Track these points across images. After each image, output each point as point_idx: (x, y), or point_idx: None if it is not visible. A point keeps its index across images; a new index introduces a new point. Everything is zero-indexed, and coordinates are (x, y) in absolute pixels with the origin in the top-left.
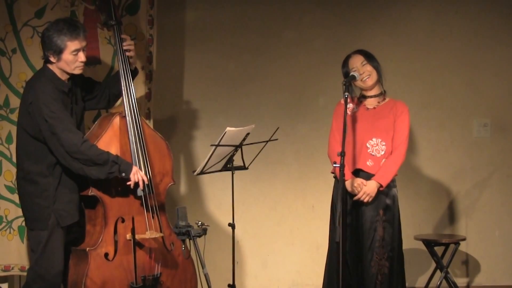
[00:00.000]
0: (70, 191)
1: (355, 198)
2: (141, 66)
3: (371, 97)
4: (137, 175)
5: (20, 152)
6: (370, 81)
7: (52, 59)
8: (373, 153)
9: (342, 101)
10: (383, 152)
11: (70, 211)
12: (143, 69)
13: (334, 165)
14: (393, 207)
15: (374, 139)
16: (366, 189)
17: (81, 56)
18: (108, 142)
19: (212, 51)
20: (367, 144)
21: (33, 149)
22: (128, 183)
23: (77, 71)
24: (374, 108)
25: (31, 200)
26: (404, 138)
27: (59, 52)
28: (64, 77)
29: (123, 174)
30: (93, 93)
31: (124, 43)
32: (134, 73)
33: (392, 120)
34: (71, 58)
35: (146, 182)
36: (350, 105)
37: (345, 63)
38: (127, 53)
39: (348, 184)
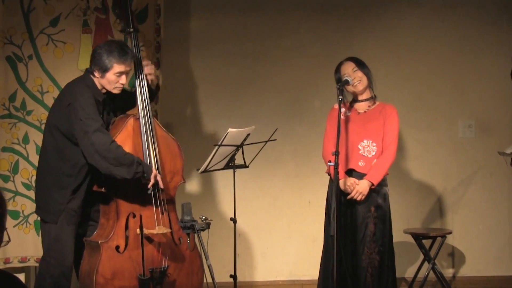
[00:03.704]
0: (83, 196)
1: (349, 197)
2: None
3: (362, 101)
4: (157, 177)
5: (49, 148)
6: (361, 85)
7: (96, 74)
8: (364, 154)
9: (336, 106)
10: (374, 153)
11: (78, 213)
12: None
13: (329, 163)
14: (384, 205)
15: (365, 141)
16: (358, 188)
17: (123, 79)
18: (122, 142)
19: (215, 56)
20: (359, 146)
21: (62, 147)
22: (149, 185)
23: (116, 91)
24: (365, 112)
25: (48, 193)
26: (394, 138)
27: (104, 70)
28: (102, 90)
29: (145, 175)
30: (122, 100)
31: (145, 68)
32: (156, 91)
33: (382, 122)
34: (114, 79)
35: (162, 184)
36: (343, 109)
37: (337, 69)
38: (148, 77)
39: (341, 183)
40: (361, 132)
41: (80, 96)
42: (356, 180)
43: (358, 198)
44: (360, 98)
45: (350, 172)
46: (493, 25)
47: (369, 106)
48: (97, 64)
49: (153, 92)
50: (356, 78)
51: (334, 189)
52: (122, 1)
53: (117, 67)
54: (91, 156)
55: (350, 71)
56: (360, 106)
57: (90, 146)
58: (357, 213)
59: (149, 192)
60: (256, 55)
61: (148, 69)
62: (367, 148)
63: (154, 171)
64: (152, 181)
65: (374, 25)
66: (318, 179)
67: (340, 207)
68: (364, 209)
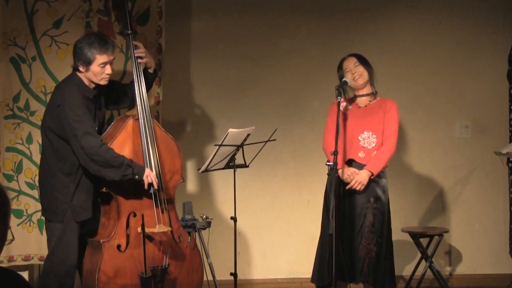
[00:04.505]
0: (88, 190)
1: (348, 186)
2: None
3: (362, 96)
4: (150, 177)
5: (46, 150)
6: (361, 80)
7: (81, 68)
8: (364, 145)
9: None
10: (374, 145)
11: (86, 208)
12: None
13: (328, 163)
14: (383, 197)
15: (365, 133)
16: (358, 178)
17: (108, 69)
18: (122, 143)
19: (216, 58)
20: (359, 138)
21: (59, 147)
22: (145, 186)
23: (103, 82)
24: (366, 106)
25: (51, 193)
26: (394, 131)
27: (88, 63)
28: (91, 85)
29: (137, 177)
30: (115, 94)
31: (136, 50)
32: (154, 75)
33: (382, 115)
34: (99, 70)
35: (156, 183)
36: (344, 103)
37: (340, 65)
38: (139, 60)
39: (340, 172)
40: (362, 125)
41: (69, 96)
42: (356, 170)
43: (357, 188)
44: (360, 93)
45: (350, 163)
46: (489, 27)
47: (369, 101)
48: (80, 59)
49: (150, 77)
50: (357, 73)
51: (333, 187)
52: (120, 3)
53: (100, 58)
54: (82, 158)
55: (351, 66)
56: (361, 101)
57: (80, 149)
58: (355, 204)
59: (151, 191)
60: (256, 56)
61: (139, 51)
62: (367, 139)
63: (147, 172)
64: (146, 182)
65: (372, 27)
66: (317, 178)
67: (339, 197)
68: (363, 199)
